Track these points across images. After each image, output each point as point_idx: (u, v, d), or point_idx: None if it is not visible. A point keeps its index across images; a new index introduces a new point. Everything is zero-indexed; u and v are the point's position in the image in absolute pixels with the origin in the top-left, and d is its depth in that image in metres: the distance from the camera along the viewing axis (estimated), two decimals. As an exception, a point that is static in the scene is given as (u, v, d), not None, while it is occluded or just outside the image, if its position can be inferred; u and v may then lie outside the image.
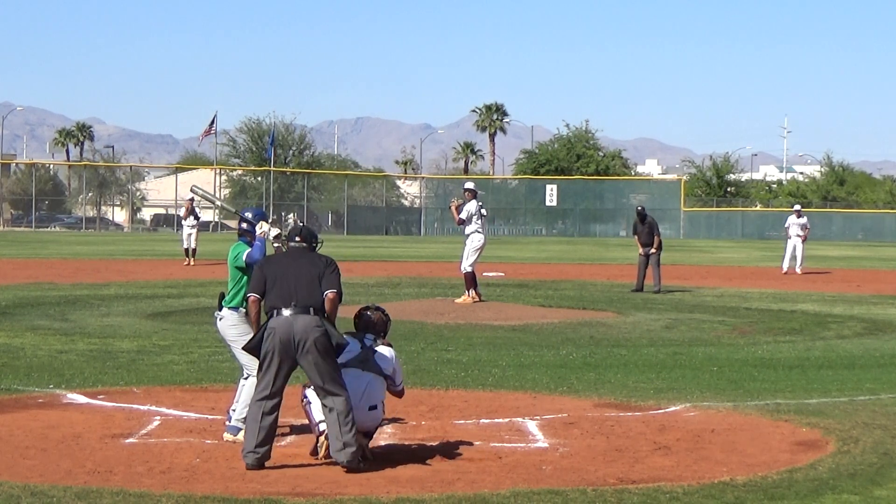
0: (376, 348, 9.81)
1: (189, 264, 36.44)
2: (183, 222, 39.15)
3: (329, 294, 9.40)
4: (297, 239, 9.73)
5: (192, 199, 40.48)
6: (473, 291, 22.88)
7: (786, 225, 37.50)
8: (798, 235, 36.58)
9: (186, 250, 37.55)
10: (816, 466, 9.52)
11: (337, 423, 9.22)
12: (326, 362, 9.29)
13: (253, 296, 9.59)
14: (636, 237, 29.53)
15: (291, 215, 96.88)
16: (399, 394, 10.02)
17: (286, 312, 9.29)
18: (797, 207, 39.27)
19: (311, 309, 9.31)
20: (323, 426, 9.61)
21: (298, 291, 9.35)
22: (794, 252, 36.57)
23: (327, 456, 9.39)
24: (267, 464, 9.40)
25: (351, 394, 9.40)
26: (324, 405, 9.35)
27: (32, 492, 8.29)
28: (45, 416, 11.37)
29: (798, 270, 36.10)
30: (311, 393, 9.68)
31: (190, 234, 37.72)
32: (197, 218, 38.70)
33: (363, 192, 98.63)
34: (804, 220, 37.19)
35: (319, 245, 9.86)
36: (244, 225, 10.68)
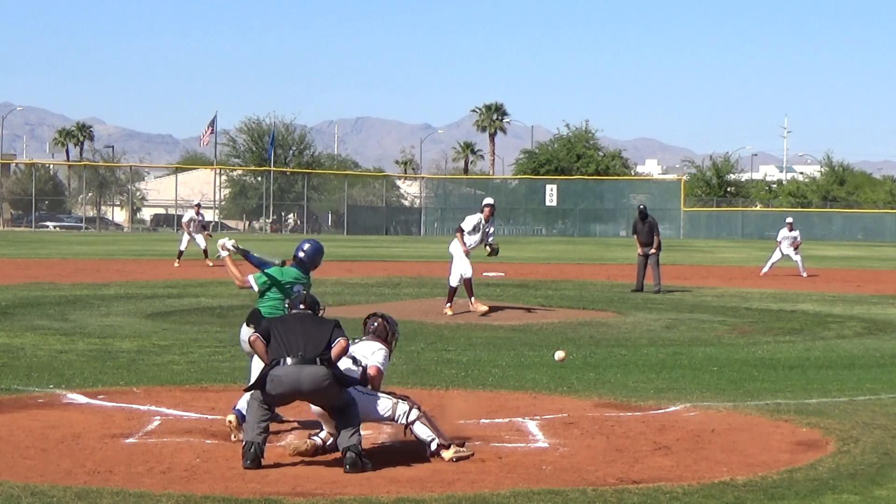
0: (359, 339, 10.30)
1: (178, 265, 35.94)
2: (188, 226, 38.37)
3: (341, 341, 9.59)
4: (301, 307, 10.04)
5: (199, 205, 40.32)
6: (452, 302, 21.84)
7: (778, 239, 36.46)
8: (790, 247, 35.87)
9: (181, 252, 37.16)
10: (816, 466, 9.52)
11: (346, 434, 9.34)
12: (337, 399, 9.48)
13: (255, 335, 9.82)
14: (636, 236, 29.43)
15: (291, 215, 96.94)
16: (366, 372, 10.08)
17: (291, 361, 9.40)
18: (789, 220, 38.09)
19: (318, 359, 9.42)
20: (316, 439, 9.76)
21: (306, 344, 9.50)
22: (787, 259, 35.78)
23: (293, 453, 9.68)
24: (267, 464, 9.41)
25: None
26: (334, 419, 9.53)
27: (32, 492, 8.28)
28: (45, 416, 11.36)
29: (804, 274, 35.27)
30: None
31: (194, 238, 37.34)
32: (203, 225, 38.62)
33: (363, 192, 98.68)
34: (796, 233, 36.28)
35: (322, 311, 10.15)
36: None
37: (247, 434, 9.44)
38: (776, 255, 36.01)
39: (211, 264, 35.71)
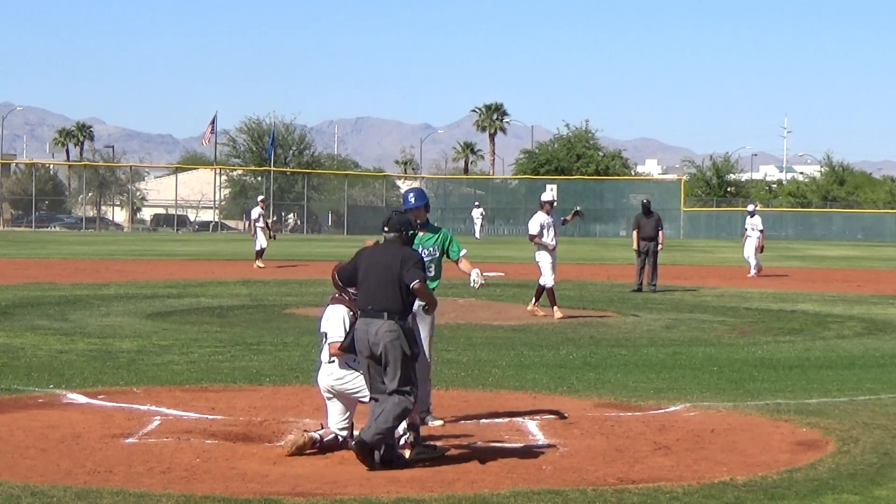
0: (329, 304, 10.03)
1: (262, 266, 35.26)
2: (257, 225, 37.69)
3: (415, 285, 9.25)
4: (385, 229, 9.50)
5: (263, 199, 39.82)
6: (557, 307, 21.69)
7: (745, 227, 36.00)
8: (748, 237, 35.37)
9: (261, 251, 36.38)
10: (816, 466, 9.52)
11: (386, 413, 9.16)
12: (397, 368, 9.25)
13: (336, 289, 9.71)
14: (635, 232, 29.23)
15: (291, 215, 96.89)
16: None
17: (365, 315, 9.30)
18: (751, 208, 37.72)
19: (386, 313, 9.24)
20: (314, 434, 9.73)
21: (375, 292, 9.28)
22: (747, 251, 35.30)
23: (291, 447, 9.63)
24: (266, 464, 9.43)
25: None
26: (390, 396, 9.30)
27: (32, 492, 8.28)
28: (45, 416, 11.36)
29: (753, 272, 34.89)
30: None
31: (261, 235, 36.79)
32: (267, 223, 37.73)
33: (363, 192, 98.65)
34: (756, 220, 35.56)
35: (414, 232, 9.60)
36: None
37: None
38: (751, 253, 35.25)
39: (261, 266, 35.24)
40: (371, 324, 9.24)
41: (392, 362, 9.24)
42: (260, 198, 40.81)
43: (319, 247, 52.44)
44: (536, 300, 22.05)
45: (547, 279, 21.80)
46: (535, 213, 22.31)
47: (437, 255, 11.08)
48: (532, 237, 22.10)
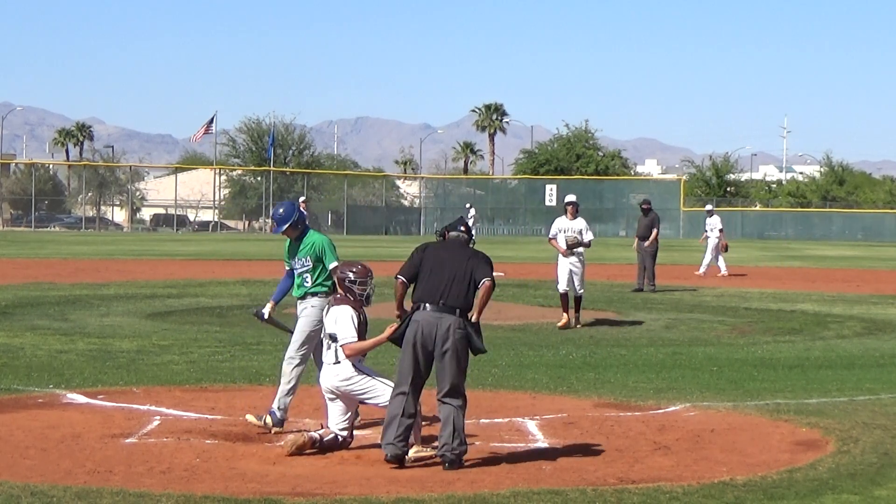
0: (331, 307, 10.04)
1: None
2: None
3: (486, 282, 9.36)
4: (462, 229, 9.66)
5: (305, 200, 39.36)
6: (566, 314, 20.82)
7: (705, 227, 35.81)
8: (707, 237, 35.31)
9: None
10: (816, 466, 9.53)
11: (451, 423, 9.32)
12: (459, 366, 9.40)
13: (401, 279, 9.61)
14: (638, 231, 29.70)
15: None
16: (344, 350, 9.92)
17: (432, 308, 9.32)
18: (708, 208, 37.61)
19: (458, 310, 9.31)
20: (314, 433, 9.73)
21: (450, 289, 9.32)
22: (710, 252, 35.23)
23: (291, 447, 9.70)
24: (266, 464, 9.43)
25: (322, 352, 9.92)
26: (441, 402, 9.47)
27: (32, 492, 8.29)
28: (45, 416, 11.36)
29: (723, 271, 34.86)
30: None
31: None
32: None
33: (363, 192, 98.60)
34: (714, 219, 35.42)
35: (473, 243, 9.77)
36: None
37: (386, 446, 9.39)
38: (709, 253, 35.31)
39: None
40: (442, 318, 9.31)
41: (457, 359, 9.37)
42: (301, 199, 40.14)
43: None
44: (576, 312, 20.89)
45: (560, 285, 21.11)
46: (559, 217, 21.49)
47: (310, 265, 10.99)
48: (550, 240, 21.38)
